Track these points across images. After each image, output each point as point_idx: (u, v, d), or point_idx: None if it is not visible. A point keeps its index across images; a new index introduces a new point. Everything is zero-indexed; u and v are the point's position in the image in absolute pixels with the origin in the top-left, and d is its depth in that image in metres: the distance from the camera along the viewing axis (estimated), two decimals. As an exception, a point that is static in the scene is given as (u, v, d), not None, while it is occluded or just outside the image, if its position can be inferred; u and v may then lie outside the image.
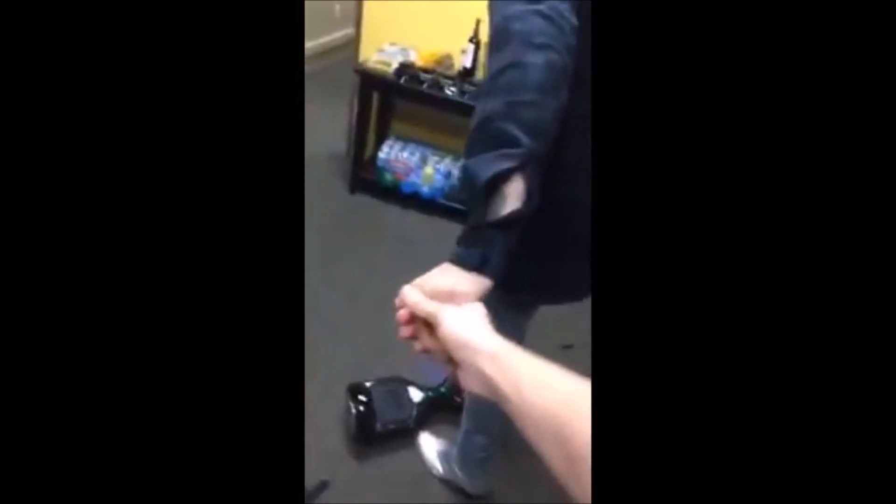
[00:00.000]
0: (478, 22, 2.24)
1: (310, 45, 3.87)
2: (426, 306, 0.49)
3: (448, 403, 1.56)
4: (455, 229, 2.25)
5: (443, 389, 1.57)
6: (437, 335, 0.48)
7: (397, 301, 0.53)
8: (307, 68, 3.83)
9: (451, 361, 0.49)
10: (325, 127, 3.09)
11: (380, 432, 1.44)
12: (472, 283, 0.54)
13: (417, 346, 0.53)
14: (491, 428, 1.25)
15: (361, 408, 1.43)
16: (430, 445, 1.46)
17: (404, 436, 1.49)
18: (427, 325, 0.50)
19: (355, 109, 2.49)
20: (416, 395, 1.52)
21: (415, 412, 1.49)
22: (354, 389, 1.47)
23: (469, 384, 0.46)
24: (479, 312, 0.49)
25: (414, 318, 0.52)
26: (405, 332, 0.53)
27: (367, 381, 1.50)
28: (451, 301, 0.50)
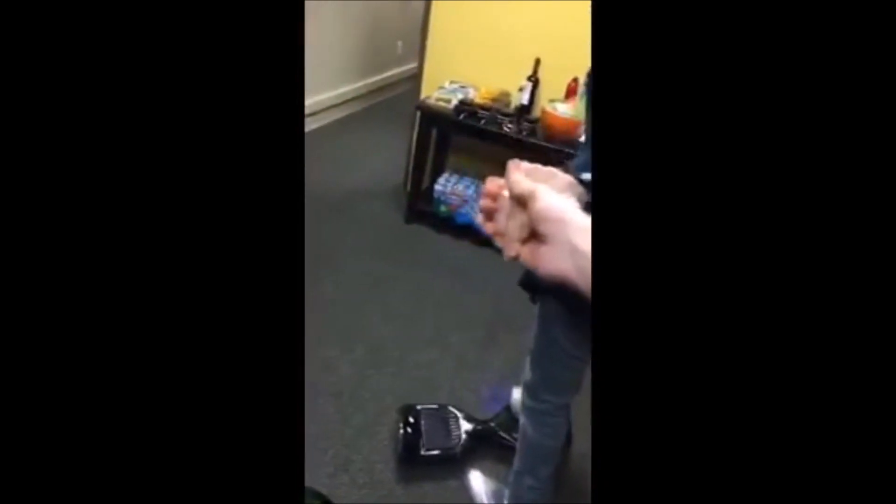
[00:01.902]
0: (537, 61, 2.30)
1: (374, 79, 4.05)
2: (525, 183, 0.47)
3: (496, 438, 1.56)
4: (497, 256, 2.23)
5: (492, 424, 1.58)
6: (530, 211, 0.46)
7: (485, 190, 0.52)
8: (370, 101, 4.01)
9: (526, 242, 0.48)
10: (385, 158, 3.21)
11: (424, 456, 1.46)
12: (566, 176, 0.55)
13: (490, 227, 0.51)
14: (540, 471, 1.24)
15: (409, 429, 1.47)
16: (479, 483, 1.46)
17: (450, 464, 1.50)
18: (518, 203, 0.48)
19: (414, 142, 2.59)
20: (465, 425, 1.53)
21: (462, 442, 1.50)
22: (405, 411, 1.51)
23: (553, 261, 0.45)
24: (572, 200, 0.48)
25: (496, 198, 0.51)
26: (483, 204, 0.52)
27: (420, 405, 1.54)
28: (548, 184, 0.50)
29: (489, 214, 0.51)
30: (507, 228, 0.49)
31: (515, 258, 0.49)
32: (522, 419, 1.25)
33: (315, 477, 1.39)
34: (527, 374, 1.23)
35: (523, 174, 0.48)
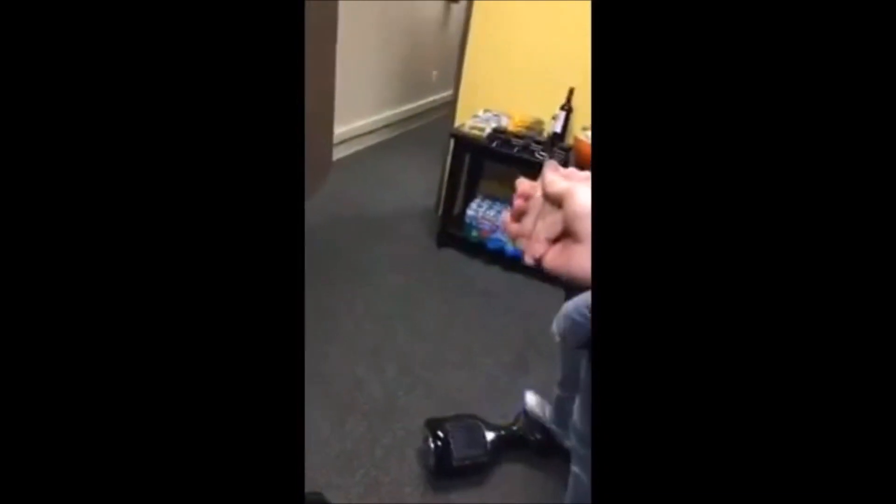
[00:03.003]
0: (571, 90, 2.33)
1: (409, 106, 4.15)
2: (562, 182, 0.47)
3: (519, 441, 1.60)
4: (536, 286, 2.24)
5: (514, 428, 1.61)
6: (565, 209, 0.46)
7: (519, 191, 0.52)
8: (406, 128, 4.11)
9: (555, 242, 0.47)
10: (418, 183, 3.28)
11: (457, 467, 1.49)
12: None
13: (515, 227, 0.51)
14: None
15: (439, 443, 1.49)
16: None
17: (479, 471, 1.53)
18: (552, 202, 0.48)
19: (447, 168, 2.64)
20: (489, 434, 1.56)
21: (489, 448, 1.54)
22: (433, 425, 1.53)
23: (588, 259, 0.44)
24: None
25: (528, 198, 0.51)
26: (517, 203, 0.51)
27: (445, 418, 1.57)
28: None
29: (518, 215, 0.51)
30: (535, 228, 0.49)
31: (538, 260, 0.48)
32: (575, 468, 1.22)
33: (345, 498, 1.40)
34: (577, 422, 1.21)
35: (560, 175, 0.48)
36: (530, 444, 1.59)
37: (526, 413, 1.62)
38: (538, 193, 0.50)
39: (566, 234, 0.46)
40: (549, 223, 0.48)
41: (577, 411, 1.21)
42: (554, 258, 0.47)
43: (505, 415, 1.69)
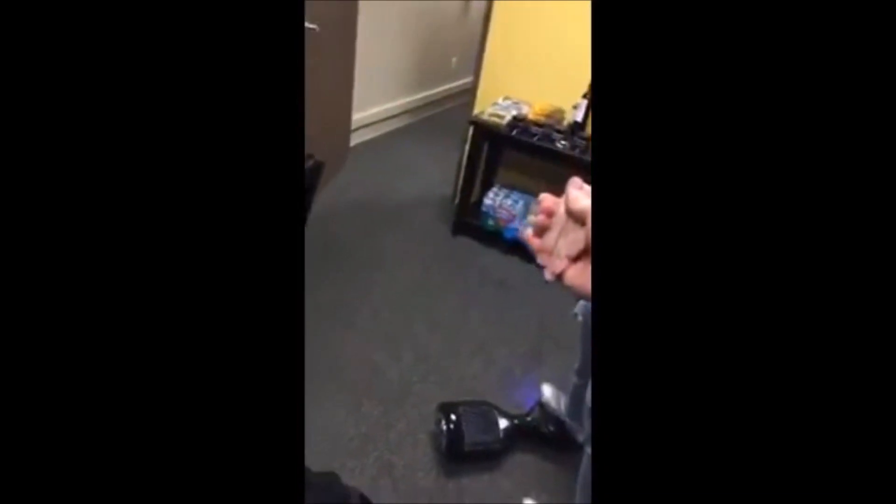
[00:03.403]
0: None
1: (428, 93, 4.13)
2: (586, 200, 0.47)
3: (533, 432, 1.61)
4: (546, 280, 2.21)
5: (528, 419, 1.62)
6: (588, 228, 0.46)
7: (542, 207, 0.51)
8: (424, 114, 4.09)
9: (576, 261, 0.47)
10: (435, 169, 3.27)
11: (469, 452, 1.50)
12: None
13: (537, 243, 0.50)
14: None
15: (452, 426, 1.50)
16: None
17: (490, 458, 1.54)
18: (575, 220, 0.48)
19: (466, 156, 2.62)
20: (502, 421, 1.57)
21: (501, 436, 1.54)
22: (446, 409, 1.55)
23: None
24: None
25: (551, 215, 0.50)
26: (538, 220, 0.51)
27: (459, 402, 1.59)
28: None
29: (540, 231, 0.50)
30: (556, 245, 0.48)
31: (559, 277, 0.48)
32: (589, 450, 1.23)
33: (358, 480, 1.42)
34: (590, 403, 1.22)
35: (584, 193, 0.47)
36: (544, 436, 1.60)
37: (541, 405, 1.63)
38: (561, 209, 0.49)
39: (587, 253, 0.46)
40: (571, 241, 0.47)
41: (592, 394, 1.21)
42: (574, 276, 0.47)
43: (519, 405, 1.70)
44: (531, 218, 0.49)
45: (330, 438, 1.53)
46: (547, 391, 1.64)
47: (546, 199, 0.51)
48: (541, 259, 0.50)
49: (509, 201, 2.56)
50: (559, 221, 0.49)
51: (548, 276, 0.49)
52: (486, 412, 1.57)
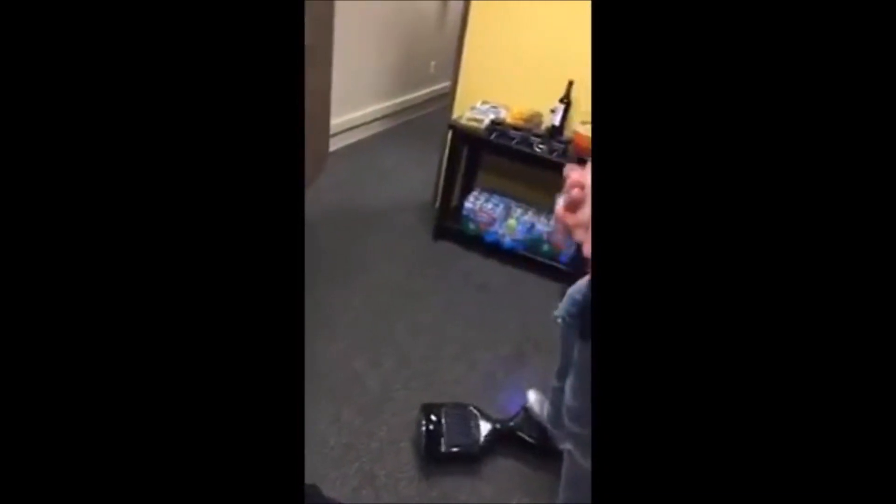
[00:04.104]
0: (570, 83, 2.32)
1: (407, 97, 4.12)
2: None
3: (515, 438, 1.59)
4: (533, 279, 2.23)
5: (511, 423, 1.61)
6: None
7: (572, 181, 0.47)
8: (403, 119, 4.08)
9: None
10: (415, 174, 3.26)
11: (445, 453, 1.49)
12: None
13: (571, 219, 0.47)
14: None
15: (431, 427, 1.50)
16: None
17: (469, 462, 1.53)
18: None
19: (445, 160, 2.62)
20: (485, 426, 1.56)
21: (481, 440, 1.54)
22: (427, 409, 1.54)
23: None
24: None
25: (584, 187, 0.47)
26: (574, 194, 0.47)
27: (442, 404, 1.58)
28: None
29: (574, 206, 0.46)
30: (584, 220, 0.44)
31: None
32: (569, 446, 1.22)
33: (340, 491, 1.40)
34: (569, 399, 1.21)
35: None
36: (526, 442, 1.59)
37: (525, 410, 1.62)
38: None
39: None
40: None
41: (569, 390, 1.21)
42: None
43: (501, 409, 1.69)
44: (560, 197, 0.46)
45: (310, 448, 1.50)
46: (532, 397, 1.64)
47: (574, 170, 0.47)
48: (576, 235, 0.46)
49: (490, 205, 2.56)
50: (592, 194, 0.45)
51: (587, 251, 0.44)
52: (468, 415, 1.57)
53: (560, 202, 0.49)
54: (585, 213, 0.47)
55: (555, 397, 1.52)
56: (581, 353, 1.16)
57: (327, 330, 1.94)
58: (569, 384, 1.22)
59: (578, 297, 1.30)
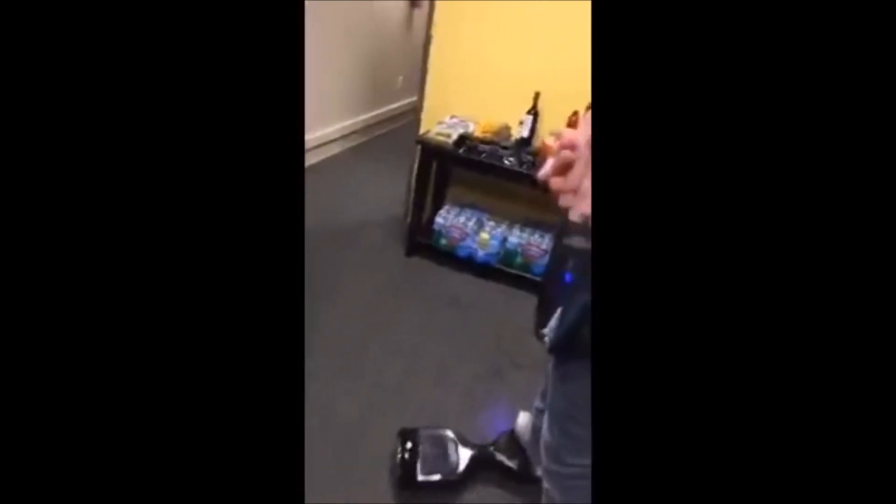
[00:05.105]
0: (536, 95, 2.32)
1: (374, 113, 4.09)
2: None
3: (494, 463, 1.53)
4: (508, 292, 2.20)
5: (492, 447, 1.55)
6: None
7: (558, 143, 0.45)
8: (371, 135, 4.04)
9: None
10: (385, 191, 3.22)
11: (422, 482, 1.43)
12: None
13: (558, 182, 0.44)
14: None
15: (407, 455, 1.44)
16: None
17: (448, 490, 1.47)
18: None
19: (415, 176, 2.59)
20: (464, 452, 1.51)
21: (461, 468, 1.48)
22: (404, 434, 1.48)
23: None
24: None
25: (574, 147, 0.44)
26: (564, 155, 0.44)
27: (419, 428, 1.52)
28: None
29: (562, 169, 0.43)
30: (583, 184, 0.42)
31: (586, 219, 0.41)
32: (546, 484, 1.15)
33: (315, 525, 1.33)
34: (545, 434, 1.15)
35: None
36: (507, 468, 1.51)
37: (512, 433, 1.55)
38: (585, 141, 0.42)
39: None
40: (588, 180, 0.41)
41: (545, 423, 1.16)
42: None
43: (481, 432, 1.64)
44: (549, 159, 0.43)
45: (282, 484, 1.43)
46: (522, 420, 1.54)
47: (565, 131, 0.44)
48: (564, 200, 0.43)
49: (461, 219, 2.53)
50: (584, 157, 0.42)
51: (574, 216, 0.42)
52: (446, 440, 1.51)
53: (548, 164, 0.46)
54: (573, 177, 0.43)
55: (536, 419, 1.47)
56: (555, 388, 1.09)
57: (298, 356, 1.87)
58: (545, 415, 1.17)
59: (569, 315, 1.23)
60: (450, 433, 1.54)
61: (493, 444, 1.56)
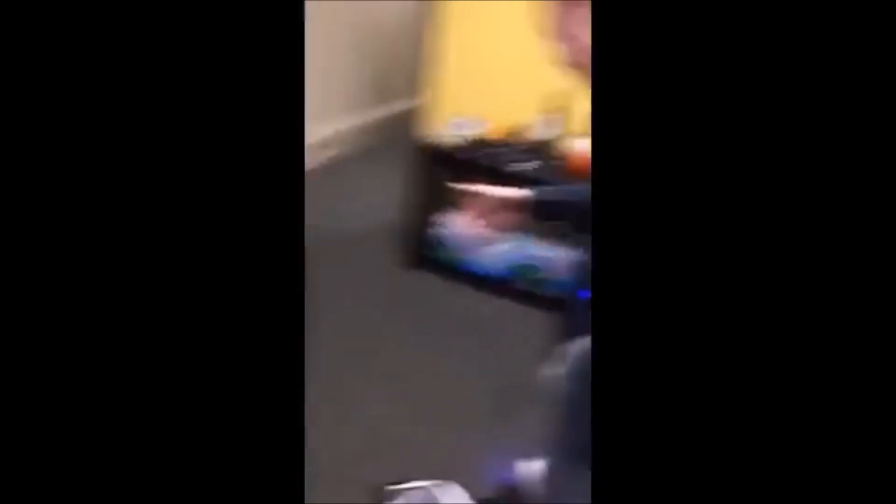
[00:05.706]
0: (557, 93, 2.10)
1: (374, 115, 3.93)
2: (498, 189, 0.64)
3: None
4: (519, 311, 1.97)
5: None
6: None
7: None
8: (372, 138, 3.87)
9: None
10: (385, 198, 3.01)
11: None
12: None
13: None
14: None
15: None
16: None
17: None
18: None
19: (416, 183, 2.39)
20: None
21: None
22: (382, 496, 1.25)
23: None
24: None
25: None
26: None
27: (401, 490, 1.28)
28: None
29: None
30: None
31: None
32: None
33: None
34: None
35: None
36: None
37: (516, 488, 1.28)
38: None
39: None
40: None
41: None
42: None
43: (487, 481, 1.40)
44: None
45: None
46: (526, 469, 1.29)
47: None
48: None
49: (470, 228, 2.31)
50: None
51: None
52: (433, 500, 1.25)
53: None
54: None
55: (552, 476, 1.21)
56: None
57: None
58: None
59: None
60: (434, 490, 1.29)
61: (496, 500, 1.30)
